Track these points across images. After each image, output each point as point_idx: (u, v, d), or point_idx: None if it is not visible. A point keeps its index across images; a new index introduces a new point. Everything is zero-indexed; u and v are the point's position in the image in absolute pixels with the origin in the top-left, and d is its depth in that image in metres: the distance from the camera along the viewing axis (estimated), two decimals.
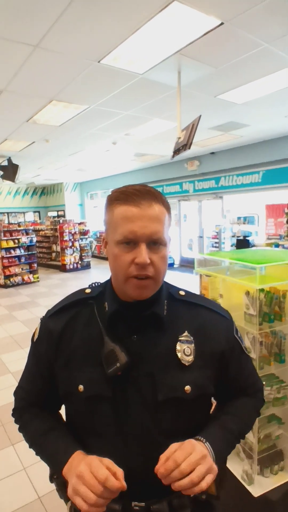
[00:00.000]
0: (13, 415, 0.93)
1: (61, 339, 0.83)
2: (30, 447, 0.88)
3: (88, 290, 0.89)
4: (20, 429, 0.91)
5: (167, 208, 0.78)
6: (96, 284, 0.92)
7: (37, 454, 0.86)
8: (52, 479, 0.88)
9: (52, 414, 0.92)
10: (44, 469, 0.90)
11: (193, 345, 0.81)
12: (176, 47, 2.99)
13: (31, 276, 9.21)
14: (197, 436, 0.77)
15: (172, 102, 4.20)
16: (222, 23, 2.63)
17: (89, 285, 0.92)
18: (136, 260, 0.72)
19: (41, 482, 2.25)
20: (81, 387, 0.79)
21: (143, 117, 5.10)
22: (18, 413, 0.92)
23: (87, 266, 11.15)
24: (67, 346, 0.82)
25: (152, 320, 0.81)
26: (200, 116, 3.58)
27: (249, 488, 1.71)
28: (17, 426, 0.92)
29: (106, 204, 0.79)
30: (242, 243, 7.81)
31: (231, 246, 8.53)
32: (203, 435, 0.77)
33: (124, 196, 0.74)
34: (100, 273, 10.38)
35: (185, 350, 0.80)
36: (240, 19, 2.57)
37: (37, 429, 0.86)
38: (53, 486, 0.90)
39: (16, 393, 0.94)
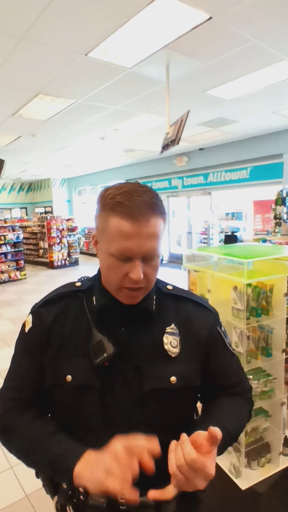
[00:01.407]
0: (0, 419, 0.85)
1: (51, 329, 0.82)
2: (20, 456, 0.80)
3: (78, 284, 0.89)
4: (6, 437, 0.82)
5: (163, 214, 0.76)
6: (86, 278, 0.92)
7: (30, 461, 0.79)
8: (38, 474, 0.86)
9: (50, 418, 0.86)
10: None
11: (179, 337, 0.83)
12: (165, 41, 2.96)
13: (18, 273, 9.09)
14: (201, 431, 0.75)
15: (161, 97, 4.18)
16: (210, 18, 2.61)
17: (79, 279, 0.92)
18: (130, 275, 0.73)
19: (29, 481, 2.23)
20: (69, 377, 0.78)
21: (131, 112, 5.06)
22: (8, 418, 0.83)
23: (75, 263, 11.08)
24: (57, 337, 0.82)
25: (140, 313, 0.82)
26: (188, 111, 3.57)
27: (236, 481, 1.73)
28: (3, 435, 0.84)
29: (100, 206, 0.75)
30: (230, 238, 7.87)
31: (220, 242, 8.60)
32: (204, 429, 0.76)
33: (122, 209, 0.70)
34: (88, 269, 10.32)
35: (171, 342, 0.82)
36: (229, 14, 2.56)
37: (38, 431, 0.79)
38: (40, 484, 0.88)
39: (2, 402, 0.86)
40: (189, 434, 0.81)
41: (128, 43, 2.97)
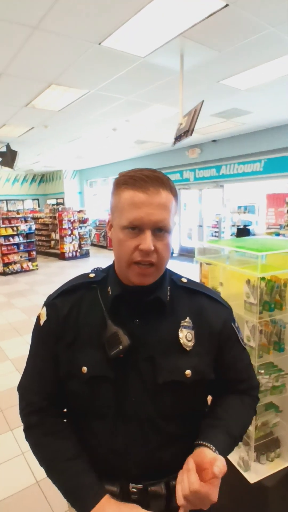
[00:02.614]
0: (22, 420, 0.87)
1: (67, 320, 0.83)
2: (41, 465, 0.83)
3: (91, 275, 0.89)
4: (30, 439, 0.85)
5: (175, 194, 0.77)
6: (99, 269, 0.92)
7: (49, 476, 0.81)
8: None
9: (70, 429, 0.86)
10: None
11: (193, 331, 0.83)
12: (179, 30, 2.90)
13: (30, 264, 9.20)
14: (208, 444, 0.76)
15: (174, 87, 4.11)
16: (227, 5, 2.54)
17: (92, 270, 0.92)
18: (140, 247, 0.72)
19: (39, 467, 2.27)
20: (84, 369, 0.79)
21: (144, 102, 5.00)
22: (30, 422, 0.85)
23: (86, 255, 11.13)
24: (72, 328, 0.82)
25: (154, 305, 0.82)
26: (202, 101, 3.51)
27: (245, 474, 1.73)
28: (24, 433, 0.86)
29: (113, 187, 0.78)
30: (242, 232, 7.79)
31: (231, 235, 8.52)
32: (213, 443, 0.77)
33: (132, 181, 0.73)
34: (99, 261, 10.36)
35: (187, 336, 0.82)
36: (246, 1, 2.49)
37: (57, 452, 0.80)
38: None
39: (22, 396, 0.88)
40: (198, 427, 0.81)
41: (142, 31, 2.91)
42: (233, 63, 3.65)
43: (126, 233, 0.74)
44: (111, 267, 0.87)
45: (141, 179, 0.72)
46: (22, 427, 0.87)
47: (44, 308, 0.87)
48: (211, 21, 2.77)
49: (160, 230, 0.73)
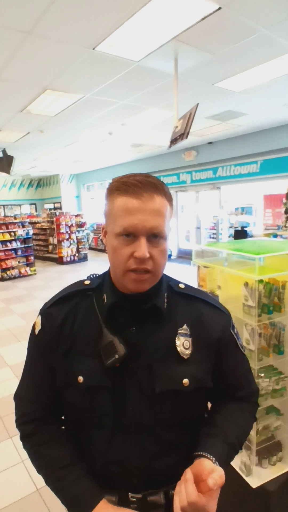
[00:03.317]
0: (18, 429, 0.86)
1: (62, 329, 0.82)
2: (38, 473, 0.83)
3: (87, 282, 0.88)
4: (26, 448, 0.85)
5: (169, 199, 0.76)
6: (95, 275, 0.91)
7: (47, 484, 0.81)
8: None
9: (67, 436, 0.86)
10: None
11: (191, 338, 0.81)
12: (173, 33, 2.91)
13: (28, 269, 9.17)
14: (207, 454, 0.75)
15: (169, 90, 4.12)
16: (220, 8, 2.55)
17: (88, 277, 0.91)
18: (135, 254, 0.71)
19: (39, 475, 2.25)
20: (80, 378, 0.78)
21: (139, 106, 5.01)
22: (26, 431, 0.84)
23: (84, 259, 11.11)
24: (67, 336, 0.81)
25: (151, 312, 0.81)
26: (197, 104, 3.52)
27: (247, 479, 1.71)
28: (21, 442, 0.86)
29: (106, 193, 0.77)
30: (240, 233, 7.79)
31: (229, 237, 8.52)
32: (211, 453, 0.76)
33: (125, 187, 0.71)
34: (97, 265, 10.35)
35: (184, 344, 0.80)
36: (238, 3, 2.49)
37: (53, 460, 0.80)
38: None
39: (18, 406, 0.87)
40: (198, 434, 0.80)
41: (136, 36, 2.92)
42: (227, 65, 3.66)
43: (120, 240, 0.72)
44: (106, 274, 0.86)
45: (134, 185, 0.71)
46: (19, 435, 0.87)
47: (39, 317, 0.86)
48: (205, 24, 2.78)
49: (155, 236, 0.72)
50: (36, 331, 0.85)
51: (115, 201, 0.73)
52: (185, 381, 0.78)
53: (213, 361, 0.83)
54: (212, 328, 0.84)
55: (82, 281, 0.89)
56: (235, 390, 0.90)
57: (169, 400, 0.78)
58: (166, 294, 0.83)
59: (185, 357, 0.79)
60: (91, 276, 0.91)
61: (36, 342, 0.85)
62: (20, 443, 0.87)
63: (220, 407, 0.89)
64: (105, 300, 0.81)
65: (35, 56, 3.24)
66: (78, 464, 0.80)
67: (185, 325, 0.82)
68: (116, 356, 0.75)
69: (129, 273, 0.73)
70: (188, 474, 0.69)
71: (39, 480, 2.20)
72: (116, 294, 0.80)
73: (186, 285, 0.90)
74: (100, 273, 0.91)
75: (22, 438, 0.85)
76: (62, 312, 0.83)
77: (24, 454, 2.40)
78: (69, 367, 0.80)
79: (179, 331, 0.81)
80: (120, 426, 0.78)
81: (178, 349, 0.79)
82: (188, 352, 0.80)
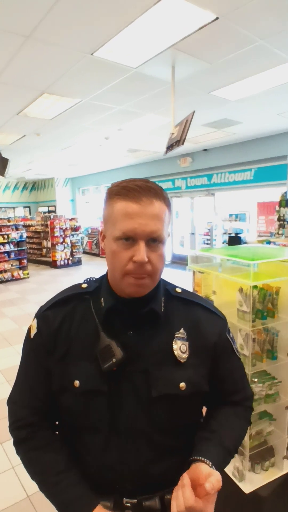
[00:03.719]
0: (12, 434, 0.84)
1: (58, 332, 0.81)
2: (32, 479, 0.81)
3: (84, 285, 0.87)
4: (20, 454, 0.83)
5: (168, 204, 0.76)
6: (92, 279, 0.90)
7: (41, 490, 0.80)
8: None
9: (61, 442, 0.84)
10: None
11: (188, 342, 0.81)
12: (171, 41, 2.95)
13: (21, 272, 9.10)
14: (204, 459, 0.75)
15: (166, 97, 4.16)
16: (217, 18, 2.60)
17: (85, 280, 0.90)
18: (134, 258, 0.71)
19: (30, 481, 2.21)
20: (76, 383, 0.77)
21: (136, 112, 5.05)
22: (20, 437, 0.83)
23: (78, 262, 11.07)
24: (64, 340, 0.81)
25: (149, 316, 0.81)
26: (194, 111, 3.56)
27: (240, 484, 1.72)
28: (14, 447, 0.84)
29: (106, 197, 0.77)
30: (234, 240, 7.85)
31: (223, 243, 8.57)
32: (208, 458, 0.76)
33: (125, 191, 0.72)
34: (91, 269, 10.32)
35: (181, 347, 0.80)
36: (236, 14, 2.55)
37: (48, 466, 0.79)
38: None
39: (12, 411, 0.85)
40: (194, 439, 0.80)
41: (134, 43, 2.96)
42: (224, 74, 3.72)
43: (119, 244, 0.73)
44: (104, 277, 0.86)
45: (134, 190, 0.71)
46: (12, 441, 0.85)
47: (35, 320, 0.85)
48: (202, 34, 2.82)
49: (154, 240, 0.73)
50: (32, 335, 0.84)
51: (114, 206, 0.73)
52: (182, 385, 0.78)
53: (209, 365, 0.84)
54: (208, 332, 0.84)
55: (79, 285, 0.88)
56: (231, 395, 0.90)
57: (165, 405, 0.78)
58: (163, 298, 0.84)
59: (182, 361, 0.79)
60: (88, 279, 0.91)
61: (32, 346, 0.84)
62: (11, 448, 0.85)
63: (215, 412, 0.90)
64: (103, 304, 0.81)
65: (34, 60, 3.26)
66: (73, 470, 0.79)
67: (182, 329, 0.82)
68: (113, 360, 0.75)
69: (127, 277, 0.74)
70: (185, 479, 0.69)
71: (30, 486, 2.17)
72: (113, 298, 0.80)
73: (183, 289, 0.90)
74: (95, 277, 0.91)
75: (16, 443, 0.84)
76: (59, 315, 0.82)
77: (14, 460, 2.38)
78: (65, 371, 0.79)
79: (176, 335, 0.81)
80: (116, 431, 0.78)
81: (175, 352, 0.79)
82: (185, 356, 0.80)
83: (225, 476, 1.75)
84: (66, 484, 0.76)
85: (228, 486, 1.72)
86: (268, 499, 1.66)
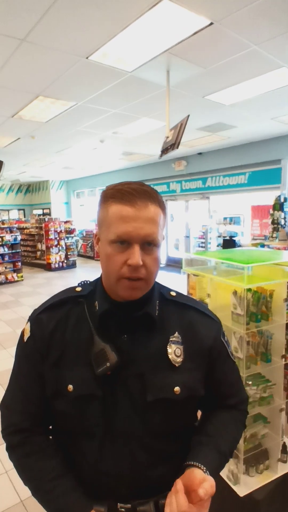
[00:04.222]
0: (4, 439, 0.83)
1: (52, 336, 0.80)
2: (25, 484, 0.80)
3: (78, 289, 0.87)
4: (13, 459, 0.82)
5: (163, 208, 0.76)
6: (86, 282, 0.90)
7: (35, 496, 0.79)
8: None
9: (55, 447, 0.83)
10: None
11: (182, 346, 0.81)
12: (165, 46, 2.97)
13: (15, 275, 9.04)
14: (198, 464, 0.75)
15: (161, 101, 4.19)
16: (211, 23, 2.63)
17: (79, 283, 0.89)
18: (128, 262, 0.71)
19: (24, 486, 2.19)
20: (70, 387, 0.76)
21: (131, 115, 5.07)
22: (13, 442, 0.82)
23: (72, 265, 11.03)
24: (58, 344, 0.80)
25: (143, 320, 0.80)
26: (188, 116, 3.59)
27: (234, 487, 1.72)
28: (7, 452, 0.83)
29: (100, 200, 0.77)
30: (228, 243, 7.88)
31: (217, 246, 8.59)
32: (202, 463, 0.75)
33: (120, 194, 0.72)
34: (86, 272, 10.29)
35: (175, 351, 0.80)
36: (230, 19, 2.57)
37: (41, 472, 0.78)
38: None
39: (5, 416, 0.84)
40: (190, 443, 0.80)
41: (129, 47, 2.97)
42: (218, 79, 3.75)
43: (114, 247, 0.72)
44: (98, 281, 0.85)
45: (128, 193, 0.71)
46: (4, 445, 0.84)
47: (28, 324, 0.84)
48: (196, 39, 2.85)
49: (149, 244, 0.72)
50: (25, 338, 0.83)
51: (109, 209, 0.73)
52: (177, 389, 0.77)
53: (205, 369, 0.83)
54: (203, 336, 0.84)
55: (73, 288, 0.88)
56: (226, 398, 0.90)
57: (160, 409, 0.78)
58: (157, 301, 0.83)
59: (177, 364, 0.79)
60: (83, 282, 0.90)
61: (25, 350, 0.83)
62: (4, 453, 0.84)
63: (211, 415, 0.89)
64: (97, 308, 0.80)
65: (29, 63, 3.26)
66: (67, 476, 0.78)
67: (176, 332, 0.82)
68: (108, 364, 0.74)
69: (122, 280, 0.73)
70: (178, 484, 0.69)
71: (23, 491, 2.15)
72: (108, 301, 0.80)
73: (177, 292, 0.90)
74: (91, 280, 0.90)
75: (9, 449, 0.82)
76: (53, 319, 0.82)
77: (8, 464, 2.35)
78: (59, 376, 0.78)
79: (170, 339, 0.80)
80: (110, 436, 0.77)
81: (170, 356, 0.79)
82: (179, 360, 0.79)
83: (219, 480, 1.75)
84: (59, 490, 0.75)
85: (223, 489, 1.72)
86: (263, 502, 1.66)
